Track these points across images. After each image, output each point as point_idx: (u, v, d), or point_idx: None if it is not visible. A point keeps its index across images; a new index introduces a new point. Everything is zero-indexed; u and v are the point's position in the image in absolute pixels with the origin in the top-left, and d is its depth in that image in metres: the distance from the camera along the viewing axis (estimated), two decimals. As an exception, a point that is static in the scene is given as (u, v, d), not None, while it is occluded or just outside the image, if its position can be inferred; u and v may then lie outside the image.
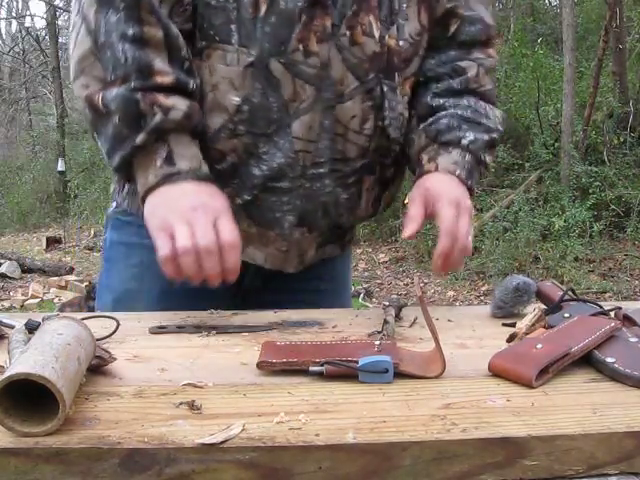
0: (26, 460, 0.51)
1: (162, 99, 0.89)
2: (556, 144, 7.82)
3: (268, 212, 1.01)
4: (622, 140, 7.79)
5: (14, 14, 18.44)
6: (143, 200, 0.92)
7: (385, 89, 1.01)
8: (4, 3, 17.95)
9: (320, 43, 0.95)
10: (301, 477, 0.53)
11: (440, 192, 0.98)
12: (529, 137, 8.31)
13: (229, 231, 0.88)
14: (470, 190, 1.02)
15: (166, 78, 0.90)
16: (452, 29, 1.08)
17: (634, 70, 8.63)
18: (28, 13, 19.81)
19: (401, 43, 1.01)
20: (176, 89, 0.91)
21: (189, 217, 0.86)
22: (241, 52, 0.94)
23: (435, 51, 1.08)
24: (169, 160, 0.90)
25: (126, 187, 1.09)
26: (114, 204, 1.14)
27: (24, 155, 15.56)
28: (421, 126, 1.07)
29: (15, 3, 18.67)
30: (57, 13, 14.37)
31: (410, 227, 0.97)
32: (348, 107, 0.99)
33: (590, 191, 7.11)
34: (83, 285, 6.79)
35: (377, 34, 0.99)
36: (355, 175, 1.05)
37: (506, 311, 0.94)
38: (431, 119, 1.06)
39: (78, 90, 0.93)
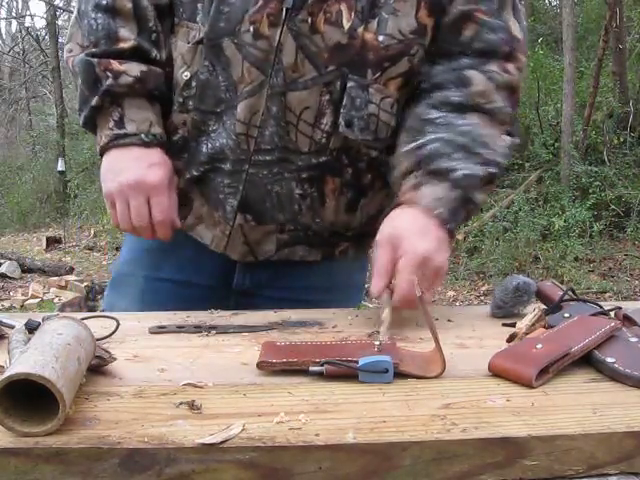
0: (26, 460, 0.51)
1: (115, 65, 0.97)
2: (556, 144, 7.82)
3: (214, 192, 1.02)
4: (622, 140, 7.79)
5: (14, 14, 18.44)
6: (101, 158, 1.01)
7: (349, 84, 0.94)
8: (4, 3, 17.96)
9: (272, 27, 0.93)
10: (301, 477, 0.53)
11: (407, 246, 0.87)
12: (529, 137, 8.31)
13: (159, 211, 0.98)
14: (450, 233, 0.91)
15: (127, 44, 0.98)
16: (467, 34, 0.98)
17: (634, 70, 8.63)
18: (28, 13, 19.83)
19: (381, 38, 0.94)
20: (135, 55, 0.98)
21: (127, 194, 0.97)
22: (199, 29, 0.98)
23: (446, 57, 0.99)
24: (119, 123, 0.98)
25: None
26: None
27: (24, 155, 15.55)
28: (407, 147, 0.96)
29: (15, 3, 18.68)
30: (57, 13, 14.37)
31: (376, 284, 0.87)
32: (301, 96, 0.95)
33: (590, 191, 7.11)
34: (83, 285, 6.79)
35: (347, 25, 0.92)
36: (311, 171, 0.99)
37: (506, 311, 0.94)
38: (420, 140, 0.95)
39: (65, 54, 1.04)
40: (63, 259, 8.65)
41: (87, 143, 12.62)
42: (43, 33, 16.54)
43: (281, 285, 1.10)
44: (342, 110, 0.96)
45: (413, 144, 0.96)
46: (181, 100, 1.00)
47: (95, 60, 0.97)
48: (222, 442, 0.52)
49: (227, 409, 0.59)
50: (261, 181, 0.99)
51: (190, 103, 1.00)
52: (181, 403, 0.59)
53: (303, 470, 0.53)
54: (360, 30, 0.93)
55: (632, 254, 6.73)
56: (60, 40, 14.15)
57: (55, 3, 14.27)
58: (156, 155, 0.99)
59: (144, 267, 1.11)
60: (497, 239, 6.89)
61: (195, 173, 1.03)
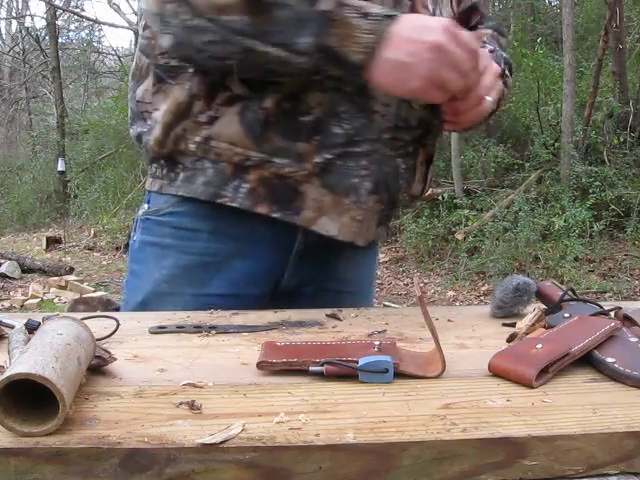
0: (26, 460, 0.51)
1: None
2: (556, 144, 7.83)
3: (345, 178, 0.98)
4: (622, 140, 7.79)
5: (14, 14, 18.44)
6: (364, 68, 0.85)
7: None
8: (4, 3, 17.96)
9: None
10: (301, 477, 0.53)
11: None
12: (529, 137, 8.32)
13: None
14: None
15: None
16: (472, 23, 1.01)
17: (634, 70, 8.64)
18: (28, 13, 19.79)
19: None
20: None
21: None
22: None
23: None
24: (365, 14, 0.82)
25: (181, 175, 1.03)
26: (145, 206, 1.11)
27: (24, 155, 15.56)
28: None
29: (15, 3, 18.68)
30: (57, 13, 14.37)
31: None
32: None
33: (590, 191, 7.11)
34: (83, 285, 6.80)
35: (430, 8, 1.02)
36: (413, 145, 1.05)
37: (506, 311, 0.94)
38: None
39: None
40: (63, 259, 8.66)
41: (87, 143, 12.64)
42: (43, 33, 16.55)
43: (322, 278, 1.11)
44: None
45: None
46: (319, 79, 0.93)
47: None
48: (222, 442, 0.52)
49: (227, 409, 0.59)
50: (385, 160, 1.01)
51: (330, 83, 0.94)
52: (181, 403, 0.59)
53: (303, 470, 0.53)
54: (437, 13, 1.04)
55: (632, 254, 6.74)
56: (60, 40, 14.15)
57: (55, 3, 14.26)
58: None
59: (190, 284, 1.04)
60: (497, 239, 6.90)
61: (328, 156, 0.97)
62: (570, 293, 0.91)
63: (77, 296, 6.52)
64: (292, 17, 0.82)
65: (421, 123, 1.05)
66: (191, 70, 0.97)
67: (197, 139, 0.98)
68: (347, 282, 1.15)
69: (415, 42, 0.82)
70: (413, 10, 0.98)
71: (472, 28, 1.01)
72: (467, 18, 0.94)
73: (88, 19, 15.97)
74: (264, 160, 0.97)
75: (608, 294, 5.85)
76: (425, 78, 0.82)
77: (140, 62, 1.05)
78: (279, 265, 1.07)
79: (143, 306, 1.07)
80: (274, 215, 0.99)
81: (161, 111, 1.00)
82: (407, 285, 6.88)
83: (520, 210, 6.99)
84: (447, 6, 1.08)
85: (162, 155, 1.04)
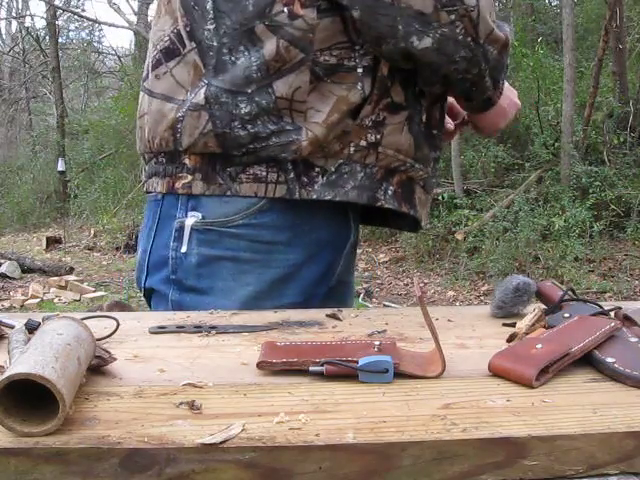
0: (26, 460, 0.51)
1: None
2: (556, 144, 7.83)
3: (432, 178, 1.15)
4: (622, 140, 7.80)
5: (14, 14, 18.44)
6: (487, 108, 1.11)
7: None
8: (4, 3, 17.95)
9: None
10: (301, 477, 0.53)
11: None
12: (529, 137, 8.32)
13: None
14: None
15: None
16: None
17: (634, 70, 8.64)
18: (28, 13, 19.77)
19: None
20: None
21: None
22: None
23: None
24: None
25: (321, 179, 0.99)
26: (198, 215, 1.01)
27: (24, 155, 15.55)
28: None
29: (15, 3, 18.68)
30: (57, 13, 14.37)
31: None
32: None
33: (590, 191, 7.12)
34: (83, 285, 6.80)
35: None
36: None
37: (506, 311, 0.94)
38: None
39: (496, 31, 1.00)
40: (63, 259, 8.66)
41: (87, 143, 12.65)
42: (43, 33, 16.55)
43: (347, 272, 1.16)
44: None
45: None
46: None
47: None
48: (222, 442, 0.52)
49: (227, 409, 0.59)
50: None
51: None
52: (181, 403, 0.59)
53: (303, 470, 0.53)
54: None
55: (632, 254, 6.74)
56: (60, 40, 14.16)
57: (55, 3, 14.26)
58: None
59: (271, 298, 1.02)
60: (497, 239, 6.90)
61: (437, 154, 1.13)
62: (570, 293, 0.91)
63: (77, 296, 6.53)
64: (505, 63, 1.05)
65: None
66: (361, 70, 0.97)
67: (362, 143, 0.99)
68: (350, 273, 1.22)
69: (512, 99, 1.16)
70: None
71: None
72: None
73: (88, 19, 15.98)
74: (411, 166, 1.06)
75: (608, 294, 5.85)
76: (503, 126, 1.19)
77: (285, 54, 0.94)
78: (335, 266, 1.10)
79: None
80: (411, 212, 1.09)
81: (323, 112, 0.96)
82: (407, 285, 6.88)
83: (520, 210, 6.99)
84: None
85: (302, 157, 0.97)
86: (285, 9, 0.93)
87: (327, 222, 1.05)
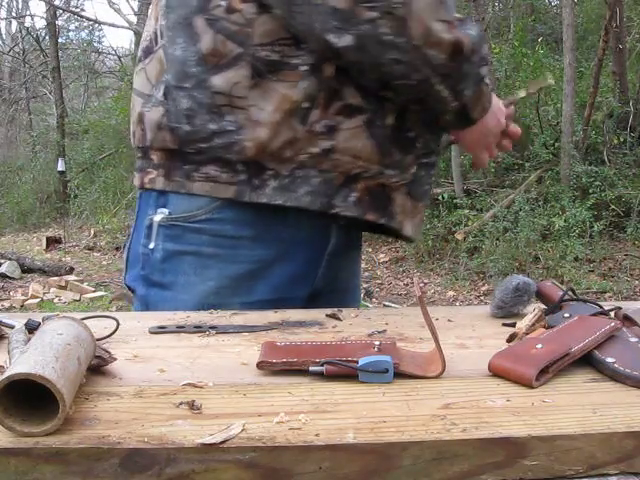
0: (26, 460, 0.51)
1: None
2: (556, 144, 7.84)
3: (422, 185, 1.08)
4: (622, 140, 7.80)
5: (14, 14, 18.44)
6: (472, 125, 1.05)
7: None
8: (4, 3, 17.96)
9: None
10: (301, 477, 0.53)
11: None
12: (529, 137, 8.32)
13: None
14: None
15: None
16: None
17: (634, 70, 8.64)
18: (28, 13, 19.79)
19: None
20: None
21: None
22: None
23: None
24: (489, 86, 1.02)
25: (272, 182, 0.96)
26: (165, 211, 1.01)
27: (24, 155, 15.56)
28: None
29: (15, 3, 18.69)
30: (57, 13, 14.37)
31: None
32: None
33: (590, 191, 7.12)
34: (83, 285, 6.80)
35: None
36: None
37: (506, 311, 0.94)
38: None
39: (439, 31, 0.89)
40: (63, 259, 8.66)
41: (87, 143, 12.65)
42: (43, 33, 16.55)
43: (342, 277, 1.15)
44: None
45: None
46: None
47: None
48: (222, 442, 0.52)
49: (227, 409, 0.59)
50: None
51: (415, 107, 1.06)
52: (181, 403, 0.59)
53: (303, 470, 0.53)
54: None
55: (632, 254, 6.74)
56: (60, 40, 14.15)
57: (55, 3, 14.26)
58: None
59: (236, 294, 1.01)
60: (497, 239, 6.90)
61: (417, 167, 1.05)
62: (570, 293, 0.91)
63: (77, 296, 6.53)
64: (470, 72, 0.95)
65: None
66: (305, 68, 0.92)
67: (314, 150, 0.95)
68: (355, 275, 1.22)
69: (498, 119, 1.09)
70: None
71: None
72: None
73: (88, 19, 15.97)
74: (379, 172, 1.00)
75: (608, 294, 5.85)
76: (488, 146, 1.14)
77: (222, 48, 0.93)
78: (315, 266, 1.07)
79: None
80: (381, 221, 1.03)
81: (266, 110, 0.93)
82: (407, 285, 6.88)
83: (520, 210, 6.99)
84: None
85: (249, 158, 0.95)
86: (223, 3, 0.92)
87: (299, 221, 1.01)
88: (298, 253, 1.03)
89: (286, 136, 0.93)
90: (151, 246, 1.02)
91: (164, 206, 1.01)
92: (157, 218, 1.02)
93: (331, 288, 1.11)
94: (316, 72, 0.93)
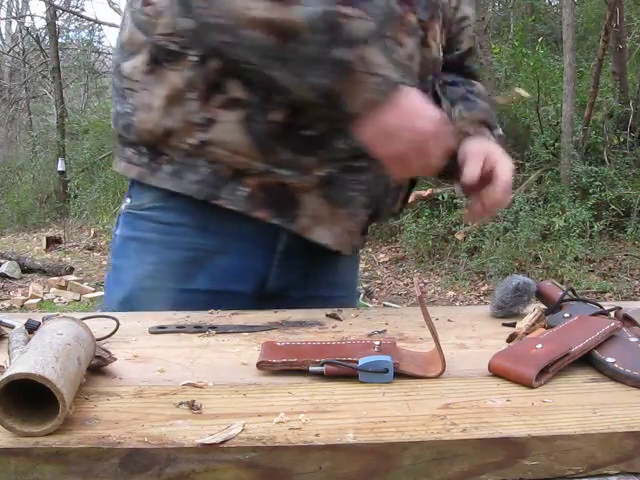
0: (26, 460, 0.51)
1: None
2: (556, 144, 7.83)
3: (344, 190, 1.01)
4: (622, 140, 7.79)
5: (14, 14, 18.44)
6: (355, 121, 0.88)
7: (435, 91, 1.11)
8: (4, 3, 17.95)
9: (407, 36, 1.00)
10: (301, 477, 0.53)
11: (500, 156, 1.04)
12: (529, 137, 8.32)
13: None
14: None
15: None
16: (466, 63, 1.22)
17: (634, 70, 8.64)
18: (28, 13, 19.78)
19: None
20: None
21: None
22: None
23: (447, 74, 1.17)
24: (377, 75, 0.84)
25: (166, 167, 1.00)
26: (128, 200, 1.09)
27: (24, 155, 15.55)
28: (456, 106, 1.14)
29: (15, 3, 18.68)
30: (57, 13, 14.37)
31: (473, 170, 0.99)
32: None
33: (590, 191, 7.11)
34: (83, 285, 6.80)
35: (440, 43, 1.09)
36: None
37: (506, 311, 0.94)
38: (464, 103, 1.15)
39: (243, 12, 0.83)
40: (63, 259, 8.65)
41: (87, 143, 12.63)
42: (43, 33, 16.55)
43: (308, 283, 1.11)
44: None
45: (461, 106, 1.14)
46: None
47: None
48: (222, 442, 0.52)
49: (227, 409, 0.59)
50: (380, 174, 1.01)
51: None
52: (181, 403, 0.59)
53: (303, 470, 0.53)
54: (441, 46, 1.10)
55: (632, 254, 6.74)
56: (60, 40, 14.15)
57: (55, 3, 14.26)
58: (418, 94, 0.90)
59: (173, 280, 1.03)
60: (497, 239, 6.89)
61: (331, 170, 0.98)
62: (570, 293, 0.91)
63: (77, 296, 6.53)
64: (310, 55, 0.83)
65: None
66: (195, 59, 0.94)
67: (191, 141, 0.96)
68: (335, 287, 1.15)
69: (408, 120, 0.87)
70: (424, 42, 1.04)
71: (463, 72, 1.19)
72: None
73: (88, 19, 15.96)
74: (267, 170, 0.97)
75: (608, 294, 5.85)
76: (397, 153, 0.89)
77: (134, 37, 0.99)
78: (263, 264, 1.06)
79: (126, 302, 1.05)
80: (273, 221, 1.00)
81: (156, 96, 0.96)
82: (407, 285, 6.88)
83: (520, 210, 6.99)
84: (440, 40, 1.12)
85: (145, 141, 1.00)
86: None
87: (237, 215, 1.00)
88: (242, 248, 1.04)
89: (167, 123, 0.97)
90: (117, 232, 1.11)
91: (129, 195, 1.09)
92: (122, 207, 1.11)
93: (304, 294, 1.09)
94: (204, 63, 0.94)
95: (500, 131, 1.17)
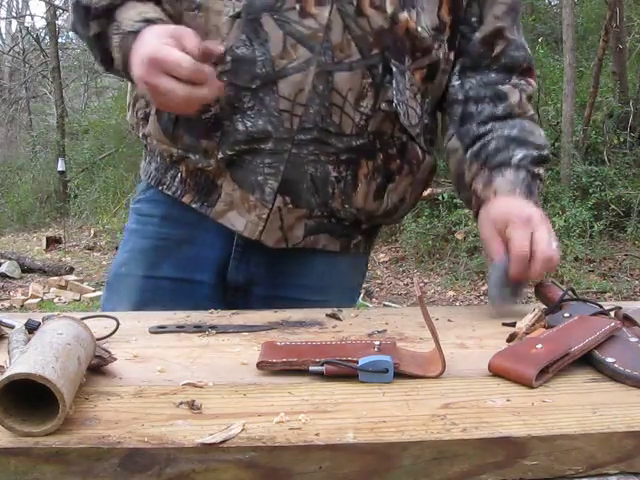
0: (26, 460, 0.51)
1: None
2: (556, 144, 7.83)
3: (250, 174, 1.00)
4: (622, 140, 7.79)
5: (14, 14, 18.44)
6: (124, 72, 0.98)
7: (393, 69, 0.98)
8: (4, 3, 17.96)
9: (319, 5, 0.94)
10: (301, 477, 0.53)
11: (508, 214, 0.96)
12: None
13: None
14: (535, 204, 1.00)
15: None
16: (497, 50, 1.08)
17: (634, 70, 8.64)
18: (28, 13, 19.80)
19: (419, 29, 0.98)
20: None
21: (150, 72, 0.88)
22: (233, 4, 0.95)
23: (476, 71, 1.08)
24: (119, 31, 0.96)
25: (147, 159, 1.14)
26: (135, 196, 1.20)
27: (24, 155, 15.55)
28: (469, 153, 1.06)
29: (15, 3, 18.68)
30: (57, 13, 14.36)
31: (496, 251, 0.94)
32: (347, 77, 0.96)
33: (590, 191, 7.11)
34: (83, 285, 6.80)
35: (390, 9, 0.95)
36: (349, 154, 1.01)
37: (504, 299, 0.94)
38: (479, 144, 1.05)
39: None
40: (63, 259, 8.65)
41: (87, 143, 12.63)
42: (43, 33, 16.54)
43: (275, 282, 1.10)
44: (391, 94, 0.99)
45: (473, 149, 1.06)
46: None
47: None
48: (222, 442, 0.52)
49: (227, 409, 0.59)
50: (302, 161, 0.99)
51: (224, 78, 0.95)
52: (181, 403, 0.59)
53: (303, 470, 0.53)
54: (402, 16, 0.96)
55: (632, 254, 6.74)
56: (60, 40, 14.14)
57: (55, 3, 14.25)
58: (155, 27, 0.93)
59: (142, 267, 1.11)
60: (497, 239, 6.88)
61: (229, 153, 0.99)
62: (570, 293, 0.91)
63: (77, 296, 6.53)
64: (85, 36, 1.04)
65: (360, 131, 1.00)
66: None
67: (140, 134, 1.09)
68: (309, 290, 1.11)
69: (136, 55, 0.90)
70: (359, 10, 0.95)
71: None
72: None
73: (88, 19, 15.92)
74: (182, 155, 1.04)
75: (608, 294, 5.85)
76: (144, 86, 0.89)
77: None
78: (223, 255, 1.08)
79: (109, 287, 1.16)
80: (193, 205, 1.05)
81: (131, 97, 1.11)
82: (407, 285, 6.88)
83: (520, 210, 6.98)
84: (431, 12, 1.01)
85: (143, 143, 1.13)
86: None
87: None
88: (206, 239, 1.08)
89: (132, 121, 1.11)
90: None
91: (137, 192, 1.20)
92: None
93: (271, 293, 1.08)
94: None
95: (540, 169, 1.05)
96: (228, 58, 0.96)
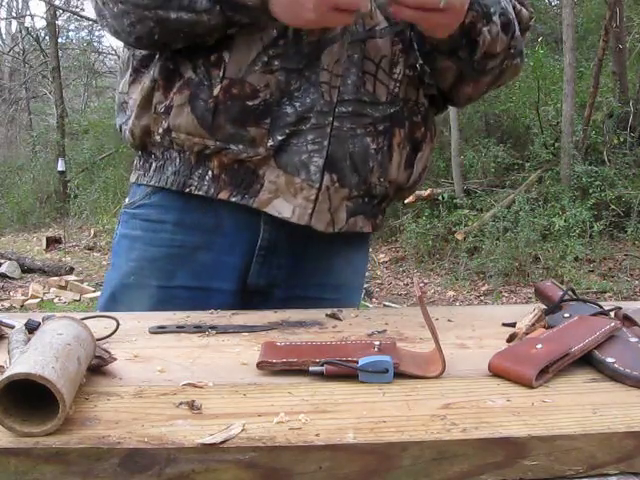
0: (26, 460, 0.51)
1: None
2: (556, 144, 7.84)
3: (294, 155, 0.97)
4: (622, 140, 7.80)
5: (14, 14, 18.43)
6: (263, 9, 0.88)
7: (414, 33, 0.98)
8: (4, 3, 17.95)
9: None
10: (301, 477, 0.53)
11: None
12: (529, 137, 8.32)
13: None
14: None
15: None
16: None
17: (634, 70, 8.64)
18: (28, 13, 19.80)
19: None
20: None
21: None
22: None
23: None
24: None
25: (153, 165, 1.06)
26: (126, 199, 1.13)
27: (24, 155, 15.55)
28: None
29: (15, 3, 18.68)
30: (57, 13, 14.37)
31: None
32: (378, 45, 0.97)
33: (590, 191, 7.12)
34: (83, 285, 6.80)
35: None
36: (385, 122, 1.00)
37: None
38: None
39: None
40: (63, 259, 8.65)
41: (87, 143, 12.64)
42: (43, 33, 16.54)
43: (294, 283, 1.08)
44: (415, 59, 1.00)
45: None
46: (266, 59, 0.95)
47: None
48: (222, 442, 0.52)
49: (227, 409, 0.59)
50: (345, 135, 0.98)
51: (276, 63, 0.94)
52: (181, 403, 0.59)
53: (303, 470, 0.53)
54: None
55: (632, 254, 6.74)
56: (60, 40, 14.14)
57: (55, 3, 14.26)
58: None
59: (155, 277, 1.05)
60: (497, 239, 6.90)
61: (279, 138, 0.96)
62: (570, 293, 0.91)
63: (77, 296, 6.53)
64: None
65: (394, 99, 1.01)
66: (157, 55, 1.00)
67: (160, 130, 1.01)
68: (326, 289, 1.11)
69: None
70: None
71: None
72: None
73: (88, 19, 15.94)
74: (221, 147, 0.98)
75: (608, 294, 5.85)
76: (315, 7, 0.84)
77: (123, 55, 1.09)
78: (243, 260, 1.05)
79: (112, 298, 1.08)
80: (233, 199, 1.00)
81: (134, 99, 1.03)
82: (407, 285, 6.89)
83: (520, 210, 7.00)
84: None
85: (136, 146, 1.07)
86: None
87: (218, 210, 1.02)
88: (223, 245, 1.04)
89: (143, 121, 1.02)
90: (116, 231, 1.14)
91: (127, 195, 1.14)
92: (123, 207, 1.14)
93: (291, 294, 1.07)
94: (160, 57, 1.00)
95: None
96: (281, 42, 0.95)
